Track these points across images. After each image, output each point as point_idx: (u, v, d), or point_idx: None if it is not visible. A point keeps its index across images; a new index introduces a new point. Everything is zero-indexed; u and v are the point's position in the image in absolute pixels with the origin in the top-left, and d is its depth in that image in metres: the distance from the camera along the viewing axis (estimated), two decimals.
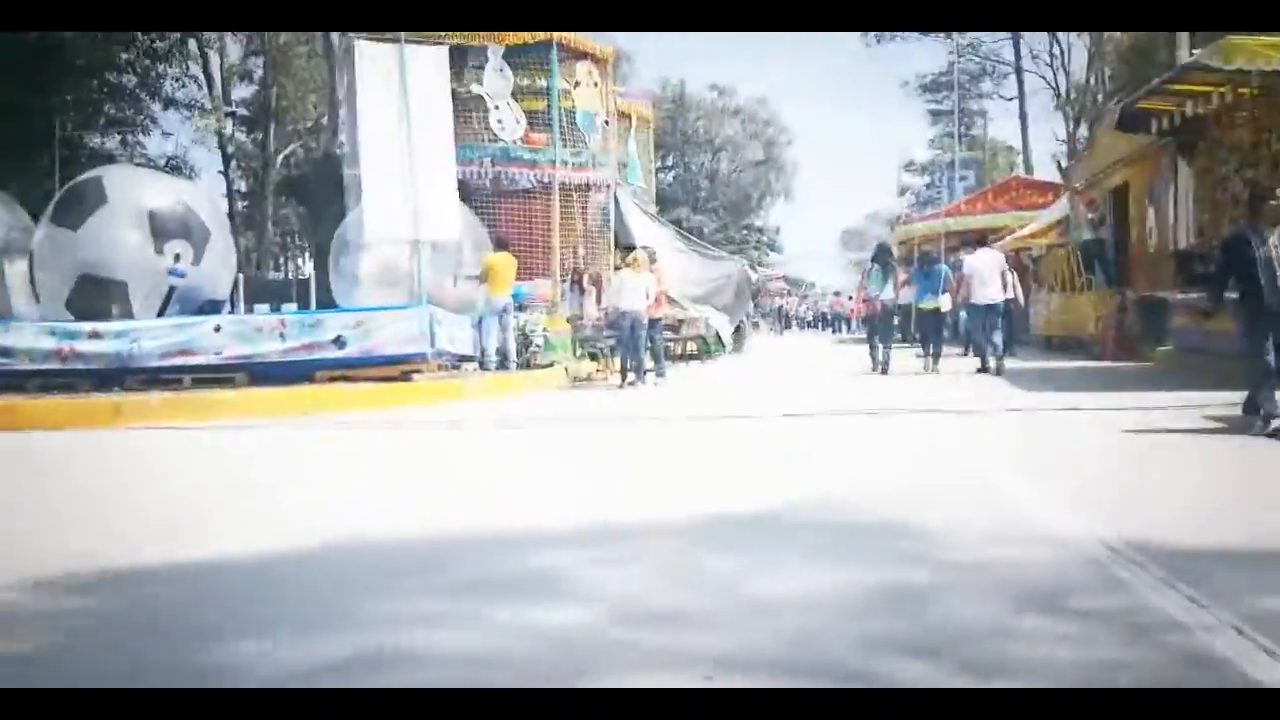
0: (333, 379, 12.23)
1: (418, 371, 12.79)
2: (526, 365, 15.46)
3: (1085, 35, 39.02)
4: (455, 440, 9.09)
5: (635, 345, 14.05)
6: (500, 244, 15.39)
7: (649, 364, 14.65)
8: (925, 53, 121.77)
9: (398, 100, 13.13)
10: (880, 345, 15.00)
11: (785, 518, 5.12)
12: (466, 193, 18.28)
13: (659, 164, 64.68)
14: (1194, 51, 12.29)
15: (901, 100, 74.84)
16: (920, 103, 58.44)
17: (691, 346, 21.28)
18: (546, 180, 18.51)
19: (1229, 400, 8.43)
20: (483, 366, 14.67)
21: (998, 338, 14.27)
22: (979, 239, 23.82)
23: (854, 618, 3.53)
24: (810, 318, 59.14)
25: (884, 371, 14.75)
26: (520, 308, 17.29)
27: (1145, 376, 13.15)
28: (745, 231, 65.49)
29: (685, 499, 5.70)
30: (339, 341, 12.43)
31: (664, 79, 64.00)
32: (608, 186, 20.03)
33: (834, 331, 47.16)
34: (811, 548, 4.54)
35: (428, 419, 10.32)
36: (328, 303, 16.66)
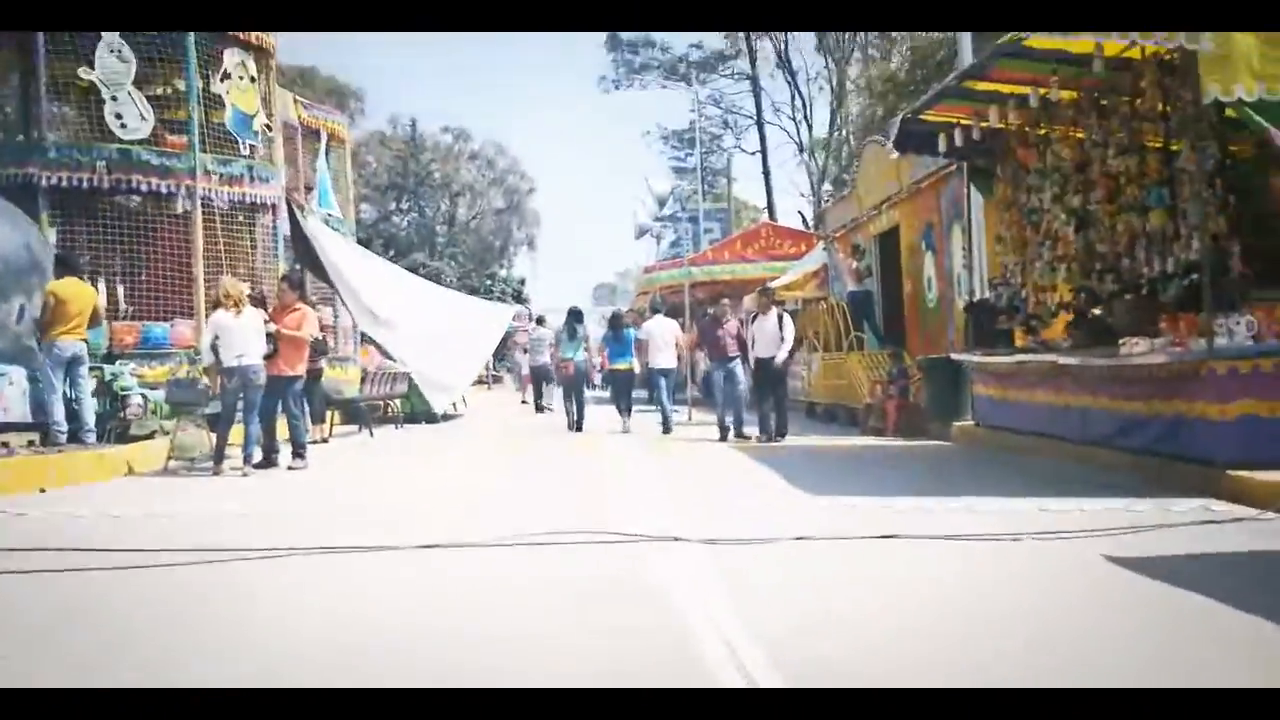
0: None
1: None
2: (122, 436, 10.86)
3: (828, 85, 37.91)
4: None
5: (245, 411, 9.83)
6: (68, 266, 10.66)
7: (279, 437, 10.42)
8: (667, 105, 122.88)
9: None
10: (575, 404, 15.68)
11: None
12: (77, 204, 13.66)
13: (394, 207, 60.40)
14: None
15: (643, 153, 72.94)
16: (663, 158, 56.43)
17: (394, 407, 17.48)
18: (183, 193, 13.95)
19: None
20: (46, 440, 10.01)
21: (668, 401, 14.78)
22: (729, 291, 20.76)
23: None
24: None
25: (578, 429, 15.34)
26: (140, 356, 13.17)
27: (957, 464, 10.06)
28: (489, 281, 61.50)
29: None
30: None
31: (394, 117, 59.71)
32: (274, 206, 15.62)
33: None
34: None
35: None
36: None
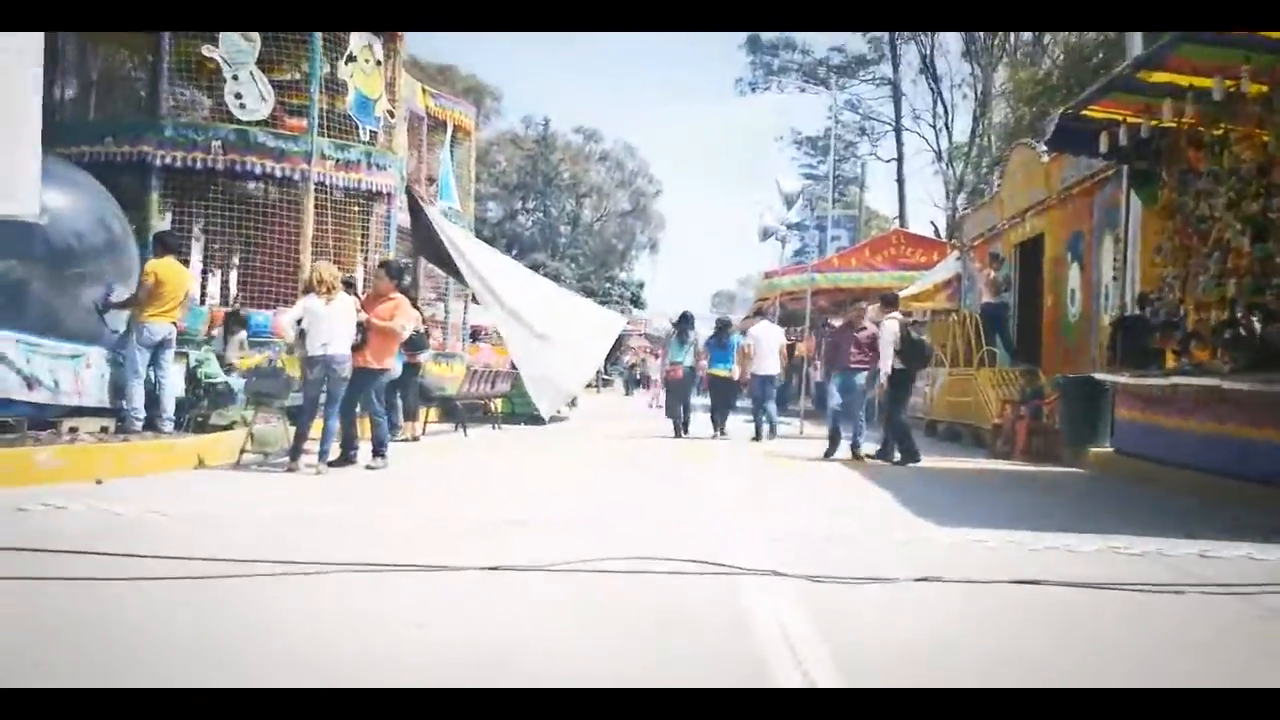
0: None
1: None
2: (202, 426, 10.46)
3: (971, 92, 36.34)
4: None
5: (326, 404, 9.25)
6: (167, 247, 10.34)
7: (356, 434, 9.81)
8: (801, 110, 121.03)
9: None
10: (680, 409, 15.50)
11: None
12: (191, 185, 13.59)
13: (519, 206, 60.63)
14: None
15: (774, 159, 71.76)
16: (794, 164, 55.15)
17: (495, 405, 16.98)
18: (299, 177, 13.74)
19: None
20: (122, 426, 9.67)
21: (771, 407, 15.23)
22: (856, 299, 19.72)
23: None
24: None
25: (681, 434, 15.17)
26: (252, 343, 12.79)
27: (1097, 496, 9.00)
28: (609, 284, 61.31)
29: None
30: None
31: (527, 117, 60.04)
32: (390, 195, 15.27)
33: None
34: None
35: None
36: None
